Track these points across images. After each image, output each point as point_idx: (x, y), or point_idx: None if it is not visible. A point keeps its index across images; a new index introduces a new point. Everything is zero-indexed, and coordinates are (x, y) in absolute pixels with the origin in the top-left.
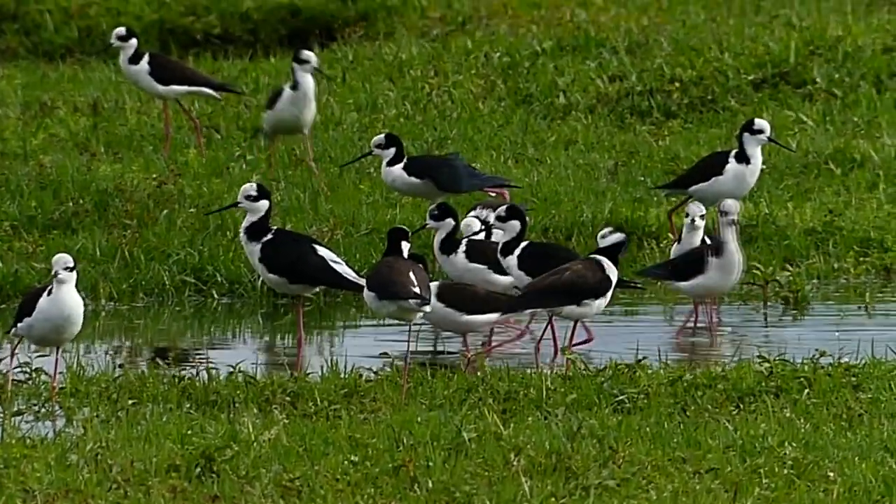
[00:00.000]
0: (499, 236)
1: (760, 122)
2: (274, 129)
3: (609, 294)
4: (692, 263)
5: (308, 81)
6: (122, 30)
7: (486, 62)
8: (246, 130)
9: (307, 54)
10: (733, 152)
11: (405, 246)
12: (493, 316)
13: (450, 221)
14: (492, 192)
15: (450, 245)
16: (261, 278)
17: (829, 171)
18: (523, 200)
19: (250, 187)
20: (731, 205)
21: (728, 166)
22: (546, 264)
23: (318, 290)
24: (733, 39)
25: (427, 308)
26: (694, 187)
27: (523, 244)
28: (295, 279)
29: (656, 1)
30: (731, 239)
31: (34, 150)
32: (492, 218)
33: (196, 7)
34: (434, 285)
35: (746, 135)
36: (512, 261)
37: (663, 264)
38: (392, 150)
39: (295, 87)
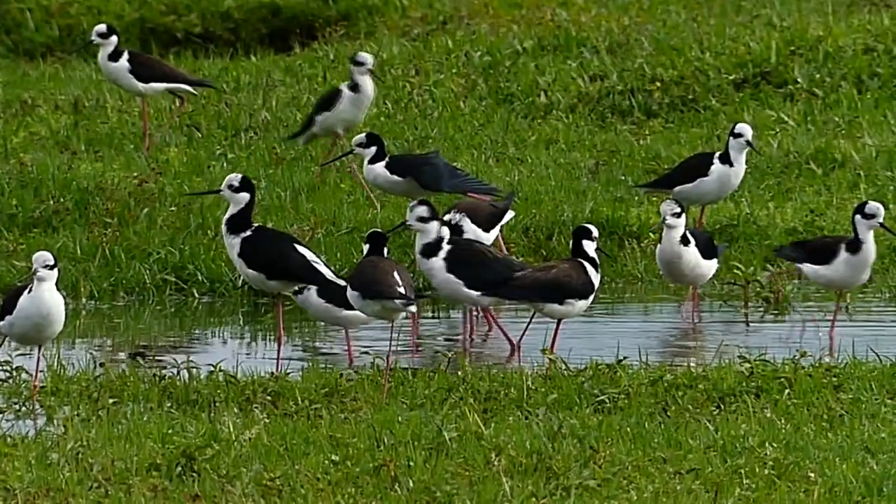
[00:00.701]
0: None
1: (741, 127)
2: (325, 131)
3: (591, 297)
4: (823, 251)
5: (367, 83)
6: (102, 27)
7: (467, 61)
8: (227, 129)
9: (363, 56)
10: (717, 154)
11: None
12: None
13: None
14: (476, 197)
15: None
16: (241, 277)
17: (810, 170)
18: (509, 194)
19: (234, 177)
20: (878, 207)
21: (713, 167)
22: (473, 267)
23: (296, 288)
24: (714, 39)
25: (413, 308)
26: (678, 188)
27: (448, 246)
28: (273, 275)
29: (637, 1)
30: (870, 240)
31: (15, 149)
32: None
33: (177, 6)
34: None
35: (731, 139)
36: (437, 263)
37: (799, 245)
38: (373, 149)
39: (355, 88)
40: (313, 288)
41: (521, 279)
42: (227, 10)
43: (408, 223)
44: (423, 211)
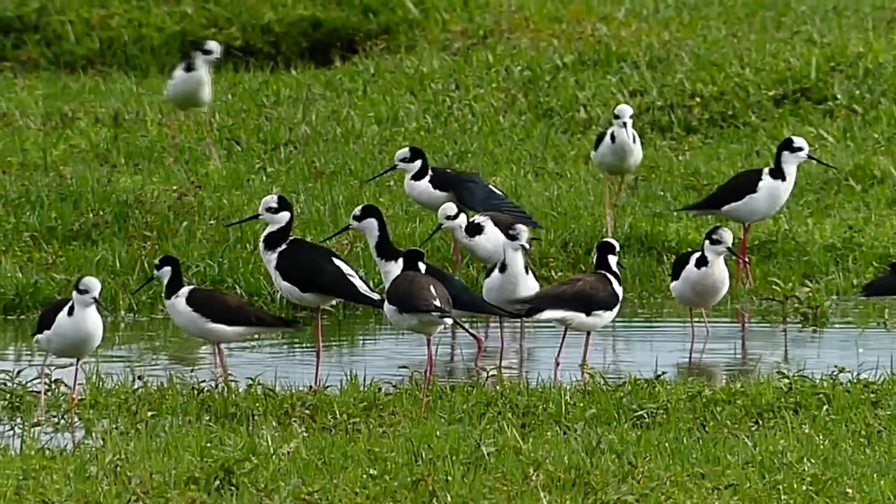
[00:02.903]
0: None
1: (799, 140)
2: (599, 167)
3: (617, 309)
4: None
5: (623, 135)
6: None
7: (507, 76)
8: (266, 143)
9: (621, 109)
10: (767, 169)
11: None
12: (240, 329)
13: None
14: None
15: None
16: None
17: (849, 187)
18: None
19: (271, 199)
20: None
21: (762, 183)
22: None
23: (334, 302)
24: (754, 55)
25: (448, 321)
26: (727, 207)
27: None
28: (307, 288)
29: (678, 16)
30: None
31: (55, 161)
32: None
33: (218, 19)
34: (185, 289)
35: (786, 153)
36: (394, 268)
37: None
38: (417, 164)
39: (612, 138)
40: (183, 293)
41: (548, 294)
42: (268, 24)
43: (350, 225)
44: (357, 210)
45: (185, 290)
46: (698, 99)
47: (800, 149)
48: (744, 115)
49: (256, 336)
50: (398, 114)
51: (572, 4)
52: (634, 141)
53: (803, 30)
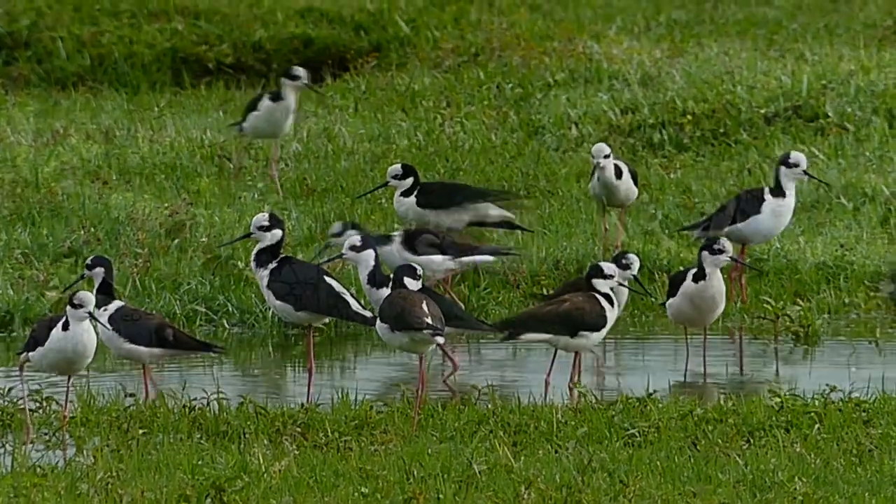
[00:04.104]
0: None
1: (795, 156)
2: (596, 200)
3: (606, 330)
4: None
5: (601, 174)
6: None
7: (498, 93)
8: (258, 160)
9: (596, 148)
10: (767, 189)
11: (413, 283)
12: (157, 350)
13: (371, 253)
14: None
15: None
16: (270, 308)
17: (840, 205)
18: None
19: (262, 217)
20: None
21: (766, 203)
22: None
23: (326, 320)
24: (746, 73)
25: (441, 339)
26: (729, 227)
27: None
28: (301, 306)
29: (669, 34)
30: None
31: (46, 178)
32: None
33: (209, 36)
34: (113, 305)
35: (783, 168)
36: (386, 293)
37: None
38: (409, 181)
39: (598, 176)
40: (109, 310)
41: (534, 314)
42: (259, 41)
43: (343, 254)
44: (356, 241)
45: (113, 305)
46: (690, 117)
47: (795, 164)
48: (735, 132)
49: (176, 357)
50: (389, 131)
51: (563, 22)
52: (620, 177)
53: (795, 48)
